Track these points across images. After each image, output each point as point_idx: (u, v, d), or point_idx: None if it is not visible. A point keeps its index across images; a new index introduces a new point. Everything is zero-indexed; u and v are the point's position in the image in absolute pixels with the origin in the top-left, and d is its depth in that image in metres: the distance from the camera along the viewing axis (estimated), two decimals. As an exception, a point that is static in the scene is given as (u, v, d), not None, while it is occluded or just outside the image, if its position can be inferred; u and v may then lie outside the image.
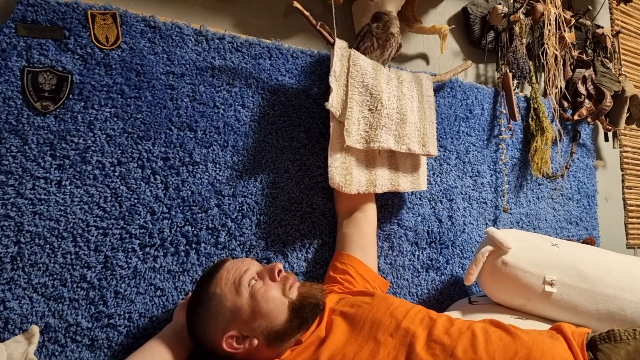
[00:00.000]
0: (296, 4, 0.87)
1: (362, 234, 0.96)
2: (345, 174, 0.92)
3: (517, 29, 1.35)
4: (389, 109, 0.95)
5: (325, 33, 0.93)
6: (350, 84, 0.92)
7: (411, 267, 1.11)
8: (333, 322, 0.73)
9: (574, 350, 0.68)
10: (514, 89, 1.33)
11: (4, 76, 0.73)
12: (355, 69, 0.92)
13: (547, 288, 0.93)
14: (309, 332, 0.72)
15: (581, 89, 1.48)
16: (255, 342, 0.70)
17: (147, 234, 0.81)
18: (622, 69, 1.71)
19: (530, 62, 1.41)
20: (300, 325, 0.73)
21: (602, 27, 1.63)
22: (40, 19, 0.76)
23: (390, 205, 1.10)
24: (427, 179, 1.16)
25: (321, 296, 0.76)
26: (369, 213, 0.99)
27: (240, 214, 0.90)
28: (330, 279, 0.91)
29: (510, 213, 1.34)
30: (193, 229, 0.85)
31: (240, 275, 0.72)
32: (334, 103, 0.89)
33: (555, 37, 1.41)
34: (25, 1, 0.75)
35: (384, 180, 0.98)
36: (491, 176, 1.31)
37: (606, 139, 1.65)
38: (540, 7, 1.35)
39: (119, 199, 0.80)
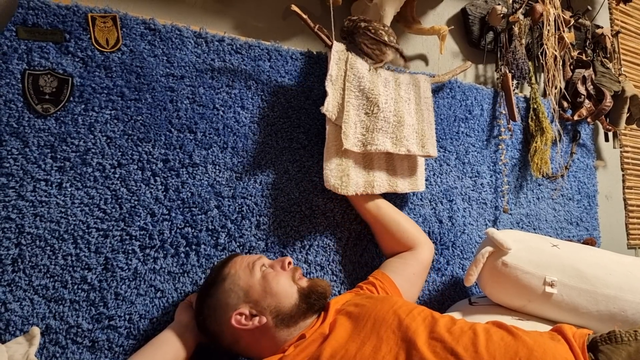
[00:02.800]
0: (294, 7, 0.87)
1: (405, 263, 0.95)
2: (342, 175, 0.92)
3: (516, 29, 1.35)
4: (385, 112, 0.95)
5: (323, 36, 0.93)
6: (347, 87, 0.92)
7: (411, 268, 1.11)
8: (337, 321, 0.74)
9: (575, 352, 0.68)
10: (514, 90, 1.33)
11: (5, 79, 0.73)
12: (352, 72, 0.93)
13: (548, 289, 0.93)
14: (313, 329, 0.73)
15: (581, 89, 1.48)
16: (264, 320, 0.72)
17: (147, 235, 0.82)
18: (622, 69, 1.71)
19: (530, 63, 1.41)
20: (307, 310, 0.75)
21: (602, 27, 1.63)
22: (41, 22, 0.76)
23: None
24: (427, 180, 1.16)
25: (328, 289, 0.79)
26: (420, 256, 0.97)
27: (240, 215, 0.91)
28: (356, 286, 0.92)
29: (510, 214, 1.34)
30: (193, 231, 0.86)
31: (253, 261, 0.78)
32: (329, 107, 0.90)
33: (555, 37, 1.41)
34: (26, 4, 0.75)
35: (381, 181, 0.99)
36: (491, 177, 1.31)
37: (606, 139, 1.65)
38: (539, 7, 1.35)
39: (119, 200, 0.80)
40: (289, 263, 0.80)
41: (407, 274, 0.94)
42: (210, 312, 0.74)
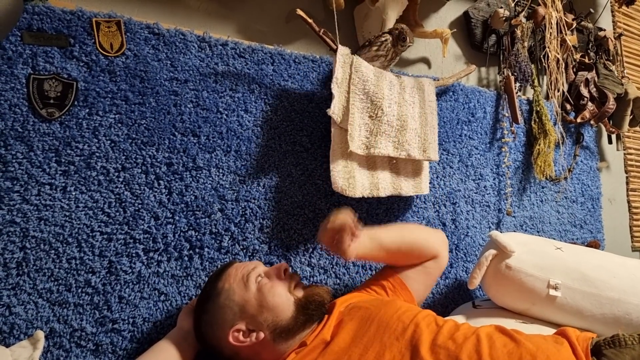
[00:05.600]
0: (299, 12, 0.88)
1: (428, 274, 0.91)
2: (348, 177, 0.92)
3: (518, 32, 1.35)
4: (389, 115, 0.96)
5: (327, 40, 0.93)
6: (352, 90, 0.92)
7: (414, 271, 1.11)
8: (339, 325, 0.73)
9: (579, 355, 0.67)
10: (516, 92, 1.33)
11: (10, 83, 0.74)
12: (357, 75, 0.93)
13: (552, 292, 0.92)
14: (314, 335, 0.72)
15: (584, 91, 1.47)
16: (262, 335, 0.70)
17: (151, 239, 0.82)
18: (625, 71, 1.71)
19: (532, 65, 1.41)
20: (306, 322, 0.73)
21: (604, 30, 1.63)
22: (45, 27, 0.77)
23: (395, 209, 1.10)
24: (431, 183, 1.16)
25: (327, 297, 0.77)
26: (442, 262, 0.93)
27: (244, 218, 0.91)
28: (365, 285, 0.90)
29: (514, 216, 1.33)
30: (196, 234, 0.86)
31: (248, 272, 0.74)
32: (335, 109, 0.90)
33: (557, 40, 1.41)
34: (31, 9, 0.76)
35: (386, 184, 0.99)
36: (494, 179, 1.31)
37: (610, 142, 1.64)
38: (541, 10, 1.35)
39: (123, 204, 0.80)
40: (285, 270, 0.76)
41: (427, 283, 0.91)
42: (207, 328, 0.72)
